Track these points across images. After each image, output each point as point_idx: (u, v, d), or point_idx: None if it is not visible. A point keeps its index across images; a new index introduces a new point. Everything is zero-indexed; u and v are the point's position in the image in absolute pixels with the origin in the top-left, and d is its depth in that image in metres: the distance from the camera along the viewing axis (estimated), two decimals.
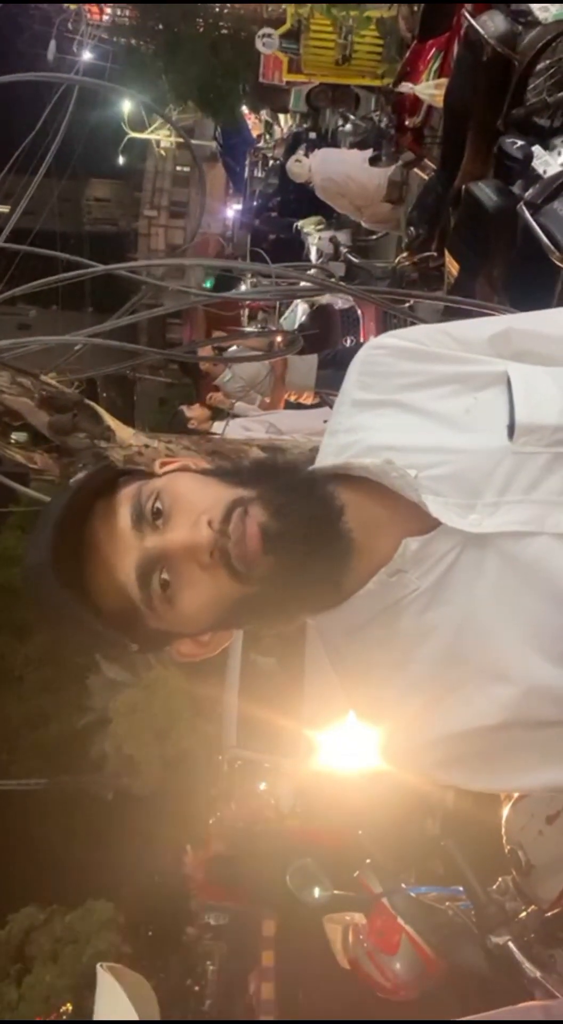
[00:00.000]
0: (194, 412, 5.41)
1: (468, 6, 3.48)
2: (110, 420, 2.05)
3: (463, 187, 3.16)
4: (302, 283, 2.48)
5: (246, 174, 15.90)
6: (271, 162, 14.60)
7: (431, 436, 1.02)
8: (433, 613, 0.97)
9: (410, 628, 0.98)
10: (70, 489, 0.98)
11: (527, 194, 2.78)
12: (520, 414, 0.98)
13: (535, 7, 3.22)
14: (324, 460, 1.06)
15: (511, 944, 1.89)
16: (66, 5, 14.75)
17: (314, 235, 7.82)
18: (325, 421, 1.18)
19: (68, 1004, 11.89)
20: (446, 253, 3.37)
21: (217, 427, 4.76)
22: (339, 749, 4.07)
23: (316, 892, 2.87)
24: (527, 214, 2.65)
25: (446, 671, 0.97)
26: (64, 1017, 11.84)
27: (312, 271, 2.64)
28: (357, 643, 1.02)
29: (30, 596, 0.98)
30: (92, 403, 2.19)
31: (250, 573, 0.92)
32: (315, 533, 0.94)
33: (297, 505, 0.95)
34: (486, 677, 0.95)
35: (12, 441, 2.28)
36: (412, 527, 0.97)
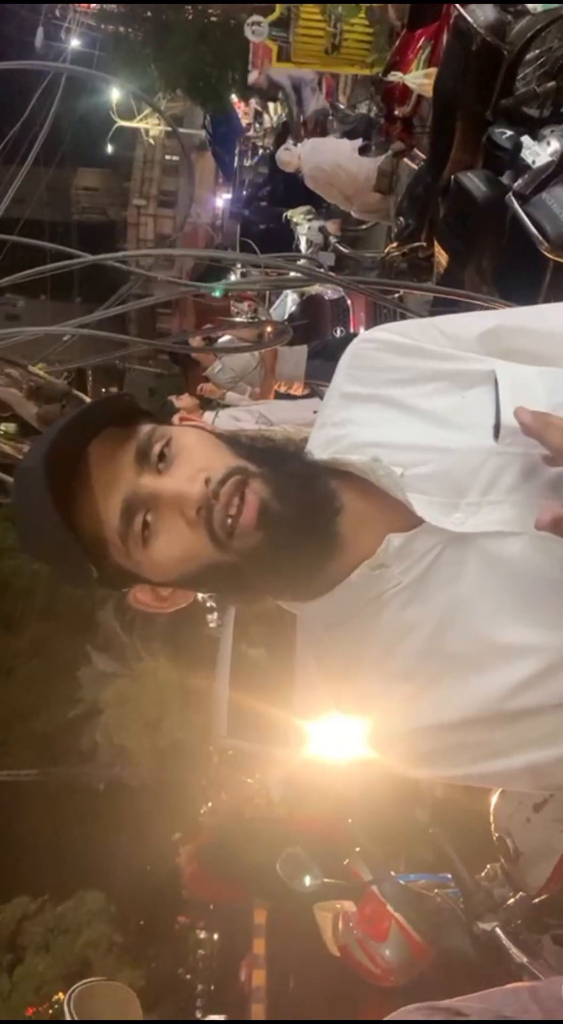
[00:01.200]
0: (184, 403, 5.39)
1: None
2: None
3: (452, 177, 3.15)
4: (291, 273, 2.47)
5: (236, 163, 15.84)
6: (261, 151, 14.54)
7: (417, 433, 1.02)
8: (414, 608, 0.98)
9: (391, 622, 0.99)
10: (87, 405, 0.99)
11: (516, 185, 2.78)
12: (506, 415, 0.98)
13: None
14: (312, 453, 1.06)
15: (498, 930, 1.91)
16: None
17: (303, 225, 7.79)
18: (315, 412, 1.18)
19: (60, 993, 11.93)
20: (435, 243, 3.37)
21: (207, 417, 4.75)
22: (329, 738, 4.08)
23: (307, 880, 2.89)
24: (516, 204, 2.65)
25: (425, 665, 0.98)
26: (56, 1007, 11.88)
27: (301, 262, 2.64)
28: (339, 636, 1.03)
29: (13, 494, 0.99)
30: (81, 394, 2.19)
31: (230, 542, 0.93)
32: (308, 524, 0.95)
33: (299, 492, 0.96)
34: (465, 671, 0.97)
35: (1, 432, 2.27)
36: (396, 523, 0.98)
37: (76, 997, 1.66)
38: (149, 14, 13.48)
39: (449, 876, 2.46)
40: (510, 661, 0.95)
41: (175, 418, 1.06)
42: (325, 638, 1.05)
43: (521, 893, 2.15)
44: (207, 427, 1.06)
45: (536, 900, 2.09)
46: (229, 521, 0.92)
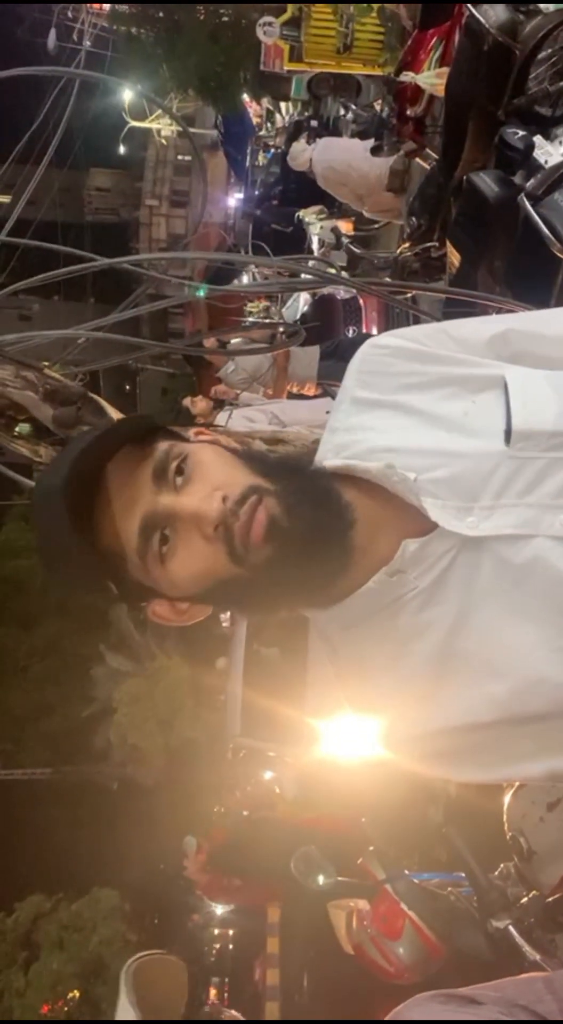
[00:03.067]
0: (198, 408, 5.42)
1: None
2: (114, 413, 2.06)
3: (464, 177, 3.15)
4: (303, 275, 2.48)
5: (247, 163, 15.83)
6: (272, 150, 14.53)
7: (429, 439, 1.03)
8: (430, 611, 0.99)
9: (407, 625, 1.00)
10: (105, 426, 1.00)
11: (528, 185, 2.77)
12: (516, 420, 0.99)
13: None
14: (324, 458, 1.08)
15: (512, 928, 1.91)
16: None
17: (316, 224, 7.79)
18: (328, 412, 1.19)
19: (75, 991, 11.99)
20: (447, 243, 3.36)
21: (220, 417, 4.77)
22: (342, 738, 4.08)
23: (320, 879, 2.90)
24: (528, 205, 2.64)
25: (440, 666, 0.99)
26: (71, 1004, 11.93)
27: (312, 263, 2.65)
28: (354, 637, 1.04)
29: (34, 514, 1.00)
30: (96, 396, 2.20)
31: (247, 557, 0.94)
32: (319, 539, 0.96)
33: (310, 508, 0.97)
34: (480, 673, 0.98)
35: (16, 434, 2.29)
36: (411, 527, 0.99)
37: (134, 970, 1.67)
38: (161, 15, 13.48)
39: (463, 875, 2.47)
40: (523, 663, 0.96)
41: (191, 433, 1.07)
42: (339, 638, 1.07)
43: (535, 892, 2.15)
44: (222, 440, 1.07)
45: (550, 899, 2.09)
46: (248, 538, 0.94)
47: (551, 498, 0.97)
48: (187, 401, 5.74)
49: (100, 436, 0.98)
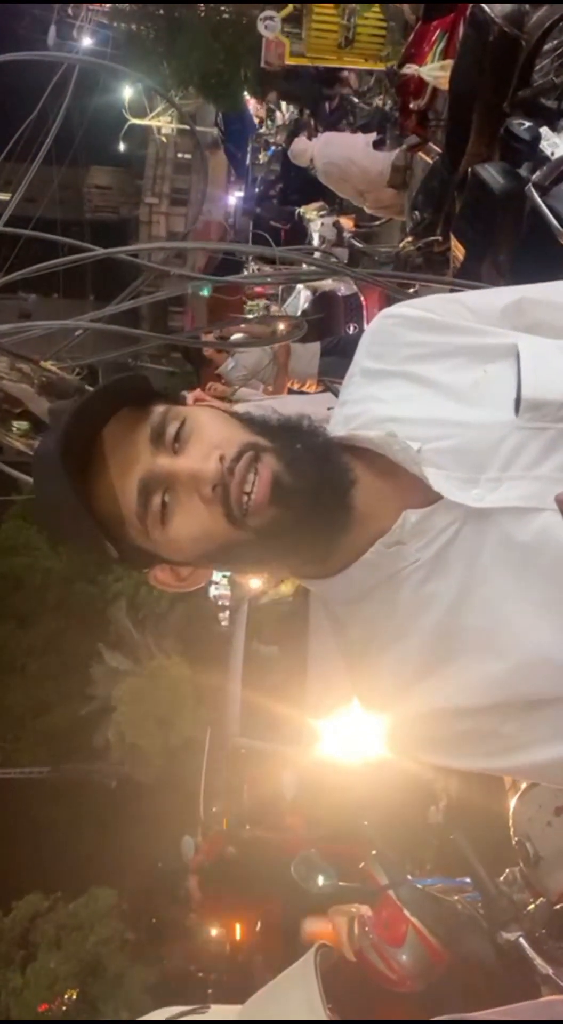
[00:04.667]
0: (192, 400, 5.37)
1: None
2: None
3: (469, 170, 3.10)
4: (305, 267, 2.44)
5: (248, 161, 15.80)
6: (273, 148, 14.51)
7: (437, 408, 1.01)
8: (432, 585, 0.97)
9: (409, 599, 0.98)
10: (100, 387, 0.99)
11: (535, 176, 2.73)
12: (527, 389, 0.97)
13: None
14: (334, 430, 1.05)
15: (522, 940, 1.87)
16: None
17: (316, 221, 7.76)
18: (329, 408, 1.17)
19: (72, 990, 11.98)
20: (452, 237, 3.32)
21: None
22: (342, 738, 4.06)
23: (320, 880, 2.86)
24: (536, 196, 2.60)
25: (442, 643, 0.97)
26: (69, 1003, 11.92)
27: (316, 255, 2.60)
28: (358, 613, 1.02)
29: (34, 478, 1.00)
30: (92, 390, 2.15)
31: (245, 519, 0.93)
32: (323, 498, 0.94)
33: (312, 466, 0.95)
34: (481, 651, 0.95)
35: (14, 429, 2.25)
36: (414, 499, 0.97)
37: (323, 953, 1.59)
38: (161, 12, 13.44)
39: (467, 880, 2.43)
40: (525, 642, 0.93)
41: (189, 398, 1.06)
42: (342, 613, 1.05)
43: (541, 899, 2.11)
44: (220, 406, 1.06)
45: (558, 906, 2.05)
46: (245, 499, 0.92)
47: (560, 471, 0.94)
48: (186, 393, 5.70)
49: (93, 396, 0.96)
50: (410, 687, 0.99)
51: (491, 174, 2.93)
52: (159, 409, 0.99)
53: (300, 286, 7.45)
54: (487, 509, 0.94)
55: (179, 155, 31.62)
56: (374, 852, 2.64)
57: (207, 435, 0.97)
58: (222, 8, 12.62)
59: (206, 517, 0.94)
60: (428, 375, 1.04)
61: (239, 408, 1.07)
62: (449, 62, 4.15)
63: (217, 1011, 1.58)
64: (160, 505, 0.96)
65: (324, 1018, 1.26)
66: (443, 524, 0.95)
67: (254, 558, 1.01)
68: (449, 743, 1.00)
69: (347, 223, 6.94)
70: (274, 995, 1.43)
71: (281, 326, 4.96)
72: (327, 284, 6.55)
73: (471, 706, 0.96)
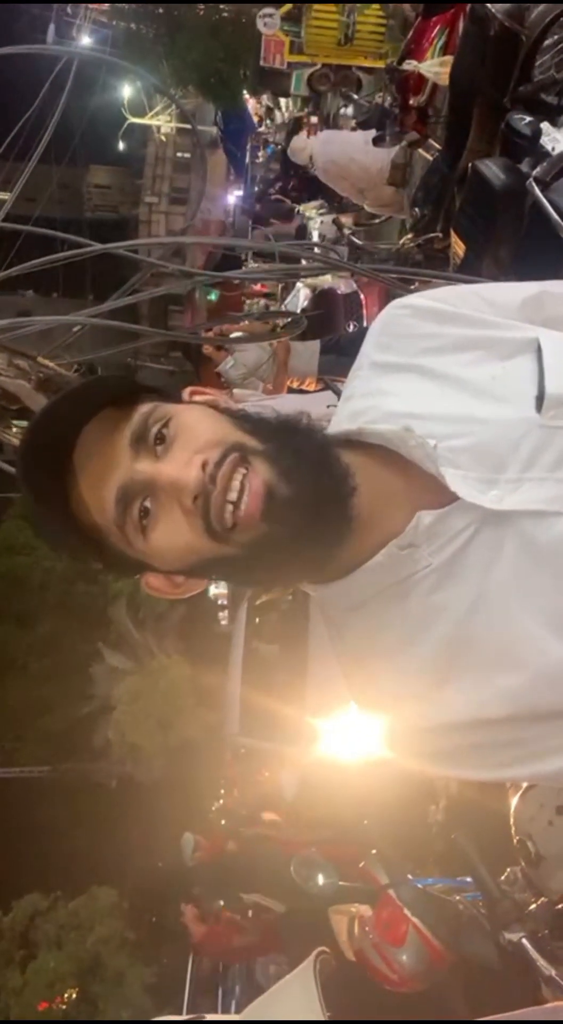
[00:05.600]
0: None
1: None
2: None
3: (469, 165, 3.09)
4: (304, 261, 2.42)
5: (247, 159, 15.78)
6: (272, 146, 14.49)
7: (453, 404, 0.95)
8: (444, 593, 0.91)
9: (418, 608, 0.92)
10: (82, 385, 0.91)
11: (536, 171, 2.72)
12: (550, 384, 0.92)
13: None
14: (338, 425, 1.00)
15: (525, 941, 1.85)
16: None
17: (316, 219, 7.74)
18: (328, 406, 1.12)
19: (72, 990, 11.96)
20: (452, 233, 3.31)
21: None
22: (342, 738, 4.04)
23: (320, 879, 2.85)
24: (537, 191, 2.59)
25: (453, 655, 0.92)
26: (69, 1003, 11.91)
27: (316, 250, 2.59)
28: (360, 620, 0.97)
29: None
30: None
31: (230, 534, 0.86)
32: (322, 511, 0.87)
33: (309, 474, 0.88)
34: (495, 664, 0.90)
35: (13, 428, 2.24)
36: (427, 500, 0.91)
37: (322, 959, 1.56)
38: (160, 10, 13.42)
39: (468, 880, 2.41)
40: (545, 653, 0.88)
41: (186, 392, 0.99)
42: (343, 620, 0.99)
43: (543, 898, 2.09)
44: (219, 400, 0.99)
45: (560, 905, 2.04)
46: (230, 508, 0.85)
47: None
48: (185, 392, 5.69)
49: (63, 397, 0.89)
50: (417, 699, 0.94)
51: (492, 170, 2.91)
52: (143, 408, 0.92)
53: (299, 284, 7.43)
54: (506, 512, 0.89)
55: (178, 154, 31.56)
56: (374, 851, 2.62)
57: (193, 436, 0.89)
58: (221, 7, 12.61)
59: (188, 530, 0.88)
60: (443, 369, 0.98)
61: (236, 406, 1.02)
62: (449, 58, 4.14)
63: (214, 1020, 1.56)
64: (139, 513, 0.89)
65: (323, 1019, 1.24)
66: (459, 527, 0.90)
67: (243, 573, 0.95)
68: (460, 755, 0.96)
69: (347, 221, 6.93)
70: (273, 1001, 1.41)
71: (280, 323, 4.94)
72: (326, 282, 6.53)
73: (484, 718, 0.91)
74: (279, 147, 13.00)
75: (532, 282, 1.11)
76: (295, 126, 10.81)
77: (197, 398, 0.98)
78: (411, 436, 0.91)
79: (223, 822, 6.67)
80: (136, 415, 0.91)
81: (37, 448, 0.88)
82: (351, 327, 6.67)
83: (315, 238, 7.54)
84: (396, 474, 0.92)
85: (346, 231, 6.10)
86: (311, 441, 0.92)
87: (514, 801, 2.24)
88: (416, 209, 4.21)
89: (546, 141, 2.86)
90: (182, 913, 4.97)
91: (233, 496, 0.85)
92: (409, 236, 4.30)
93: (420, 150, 4.80)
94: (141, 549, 0.91)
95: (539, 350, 0.95)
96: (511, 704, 0.90)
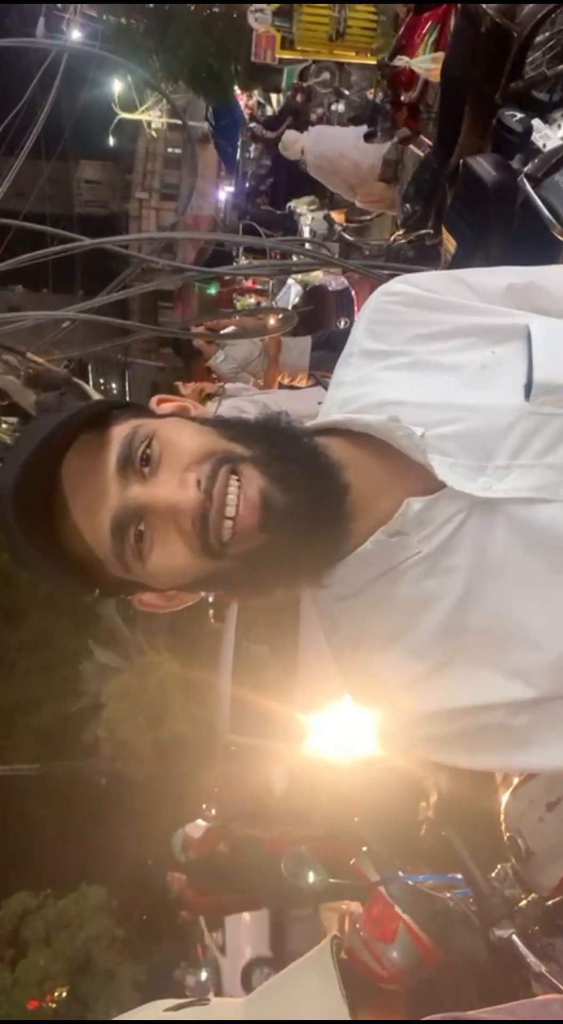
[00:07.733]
0: (188, 389, 5.34)
1: None
2: (98, 399, 2.00)
3: (461, 162, 3.09)
4: (294, 256, 2.41)
5: (238, 155, 15.75)
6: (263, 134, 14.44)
7: (442, 392, 0.96)
8: (434, 580, 0.91)
9: (409, 595, 0.92)
10: (58, 415, 0.89)
11: (527, 168, 2.71)
12: (539, 372, 0.92)
13: None
14: (327, 414, 0.99)
15: (515, 938, 1.85)
16: None
17: (307, 215, 7.73)
18: (320, 403, 1.12)
19: (62, 988, 11.95)
20: (443, 230, 3.30)
21: (209, 408, 4.70)
22: (333, 734, 4.04)
23: (310, 876, 2.85)
24: (528, 187, 2.58)
25: (445, 642, 0.92)
26: (59, 1001, 11.89)
27: (307, 245, 2.58)
28: (352, 609, 0.96)
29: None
30: (80, 381, 2.13)
31: (225, 549, 0.86)
32: (321, 514, 0.87)
33: (301, 476, 0.87)
34: (490, 651, 0.91)
35: (2, 424, 2.23)
36: (417, 488, 0.91)
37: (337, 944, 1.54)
38: (151, 5, 13.39)
39: (458, 876, 2.42)
40: (537, 639, 0.89)
41: (153, 401, 0.99)
42: (335, 610, 0.98)
43: (533, 895, 2.10)
44: (188, 404, 0.99)
45: (550, 902, 2.04)
46: (228, 525, 0.84)
47: None
48: (180, 384, 5.67)
49: (49, 432, 0.86)
50: (412, 686, 0.94)
51: (483, 166, 2.91)
52: (123, 431, 0.90)
53: (291, 280, 7.44)
54: (495, 500, 0.89)
55: (169, 150, 31.51)
56: (364, 848, 2.62)
57: (178, 452, 0.88)
58: (212, 2, 12.59)
59: (185, 551, 0.88)
60: (432, 357, 0.98)
61: (228, 403, 1.02)
62: (440, 54, 4.13)
63: (218, 1003, 1.54)
64: (135, 538, 0.88)
65: (344, 1008, 1.22)
66: (448, 514, 0.90)
67: (241, 584, 0.94)
68: (455, 742, 0.96)
69: (338, 217, 6.92)
70: (288, 984, 1.39)
71: (271, 320, 4.94)
72: (317, 278, 6.53)
73: (480, 705, 0.92)
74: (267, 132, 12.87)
75: (519, 267, 1.11)
76: (282, 115, 10.73)
77: (166, 407, 0.97)
78: (398, 426, 0.91)
79: (214, 811, 6.66)
80: (116, 439, 0.90)
81: (23, 491, 0.86)
82: (342, 323, 6.67)
83: (306, 234, 7.53)
84: (386, 462, 0.92)
85: (337, 227, 6.09)
86: (298, 441, 0.92)
87: (504, 797, 2.24)
88: (407, 205, 4.20)
89: (537, 138, 2.86)
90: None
91: (230, 512, 0.85)
92: (400, 232, 4.29)
93: (411, 146, 4.79)
94: (140, 574, 0.91)
95: (528, 336, 0.95)
96: (508, 690, 0.90)
